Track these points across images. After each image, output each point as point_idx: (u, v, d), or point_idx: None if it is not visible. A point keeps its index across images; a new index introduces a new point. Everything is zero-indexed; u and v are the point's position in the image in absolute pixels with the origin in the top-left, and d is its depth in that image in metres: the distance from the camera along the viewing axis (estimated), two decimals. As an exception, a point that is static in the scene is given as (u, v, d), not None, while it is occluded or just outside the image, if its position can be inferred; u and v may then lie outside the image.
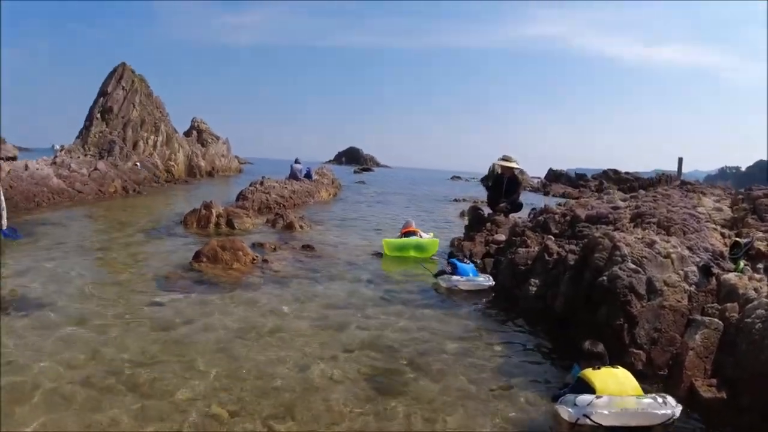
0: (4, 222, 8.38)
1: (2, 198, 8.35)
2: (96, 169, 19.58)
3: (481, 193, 22.38)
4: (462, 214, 17.91)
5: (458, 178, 71.15)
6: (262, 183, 18.21)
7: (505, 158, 11.39)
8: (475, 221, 11.36)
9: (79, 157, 23.02)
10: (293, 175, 22.20)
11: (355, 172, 68.28)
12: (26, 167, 16.59)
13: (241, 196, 16.11)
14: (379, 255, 9.79)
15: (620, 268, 4.96)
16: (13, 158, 28.54)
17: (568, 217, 8.10)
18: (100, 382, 3.95)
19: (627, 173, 48.32)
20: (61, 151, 25.26)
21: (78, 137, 29.14)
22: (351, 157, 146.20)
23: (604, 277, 5.02)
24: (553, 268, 6.29)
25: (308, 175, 23.03)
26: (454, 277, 7.29)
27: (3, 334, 4.75)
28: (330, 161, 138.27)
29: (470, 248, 9.46)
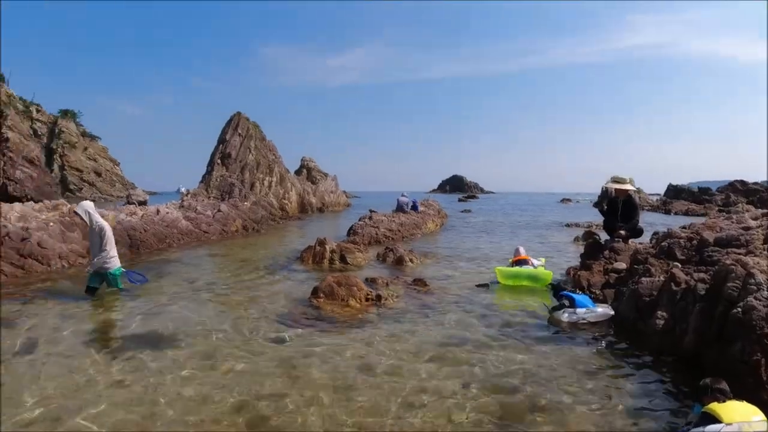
0: (116, 262, 8.70)
1: (112, 241, 8.72)
2: (219, 210, 21.10)
3: (595, 217, 21.48)
4: (575, 241, 17.26)
5: (568, 200, 68.61)
6: (370, 217, 18.69)
7: (617, 179, 10.86)
8: (592, 248, 10.90)
9: (203, 199, 24.90)
10: (400, 208, 22.58)
11: (459, 200, 68.11)
12: (158, 212, 18.25)
13: (351, 231, 16.64)
14: (489, 286, 9.72)
15: (755, 298, 4.57)
16: (144, 202, 31.58)
17: (694, 242, 7.57)
18: (227, 418, 4.21)
19: (756, 183, 44.22)
20: (186, 194, 27.47)
21: (201, 181, 31.62)
22: (455, 185, 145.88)
23: (738, 309, 4.64)
24: (681, 299, 5.88)
25: (414, 207, 23.33)
26: (579, 310, 7.03)
27: (134, 369, 5.23)
28: (434, 191, 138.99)
29: (588, 278, 9.08)
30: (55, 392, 4.67)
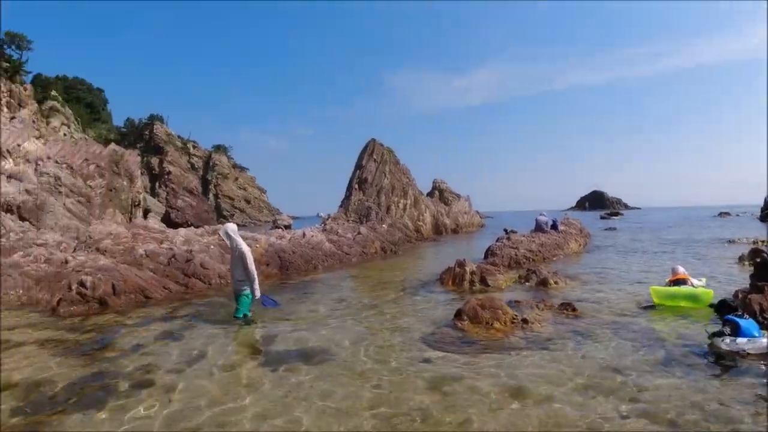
0: (257, 291, 8.68)
1: (252, 268, 8.72)
2: (359, 233, 21.85)
3: (760, 232, 19.20)
4: (740, 259, 15.52)
5: (727, 214, 62.19)
6: (509, 238, 18.26)
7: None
8: (764, 268, 9.69)
9: (344, 223, 25.94)
10: (539, 228, 21.82)
11: (601, 217, 64.36)
12: (303, 235, 19.30)
13: (489, 252, 16.34)
14: (644, 309, 9.02)
15: None
16: (289, 226, 33.68)
17: None
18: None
19: None
20: (327, 218, 28.79)
21: (341, 205, 33.00)
22: (595, 201, 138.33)
23: None
24: None
25: (554, 227, 22.40)
26: (739, 340, 6.27)
27: (286, 381, 5.46)
28: (572, 208, 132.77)
29: (760, 302, 8.08)
30: (220, 399, 5.04)
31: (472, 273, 12.06)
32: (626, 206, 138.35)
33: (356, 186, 34.04)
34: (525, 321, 7.89)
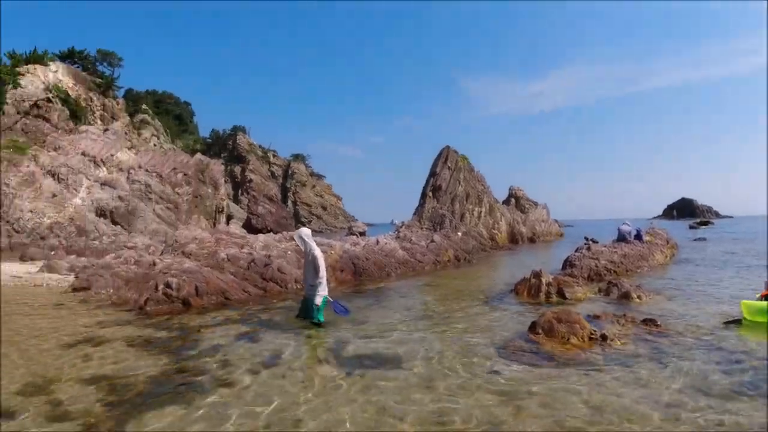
0: (324, 291, 8.73)
1: (323, 269, 8.80)
2: (432, 241, 21.78)
3: None
4: None
5: (837, 225, 57.24)
6: (588, 248, 17.62)
7: None
8: None
9: (417, 230, 25.95)
10: (622, 238, 20.91)
11: (690, 227, 60.81)
12: (377, 242, 19.46)
13: (568, 263, 15.83)
14: (730, 323, 8.47)
15: None
16: (363, 233, 34.09)
17: None
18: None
19: None
20: (401, 226, 28.89)
21: (414, 213, 33.04)
22: (683, 209, 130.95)
23: None
24: None
25: (638, 237, 21.37)
26: None
27: (358, 385, 5.49)
28: (658, 216, 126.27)
29: None
30: (292, 400, 5.15)
31: (549, 284, 11.71)
32: (717, 215, 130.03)
33: (430, 193, 33.98)
34: (604, 337, 7.56)
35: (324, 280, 8.71)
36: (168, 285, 10.59)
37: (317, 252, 8.77)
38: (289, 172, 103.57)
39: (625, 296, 11.14)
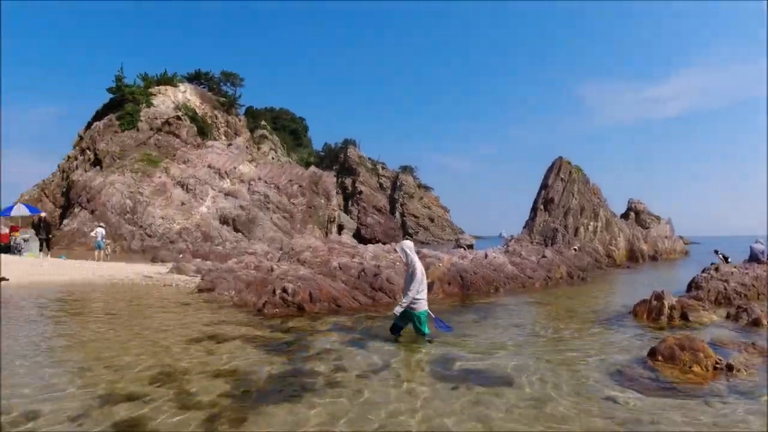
0: (423, 305, 8.52)
1: (423, 282, 8.58)
2: (543, 256, 21.16)
3: None
4: None
5: None
6: (717, 269, 16.28)
7: None
8: None
9: (527, 245, 25.33)
10: (754, 257, 19.10)
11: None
12: (486, 256, 19.23)
13: (693, 285, 14.73)
14: None
15: None
16: (471, 246, 33.81)
17: None
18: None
19: None
20: (510, 239, 28.32)
21: (524, 227, 32.26)
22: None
23: None
24: None
25: (775, 258, 19.41)
26: None
27: (467, 400, 5.46)
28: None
29: None
30: (398, 408, 5.25)
31: (671, 307, 10.96)
32: None
33: (541, 206, 33.03)
34: (729, 367, 6.96)
35: (421, 293, 8.51)
36: (285, 290, 11.18)
37: (418, 264, 8.69)
38: (398, 183, 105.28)
39: (755, 323, 10.17)
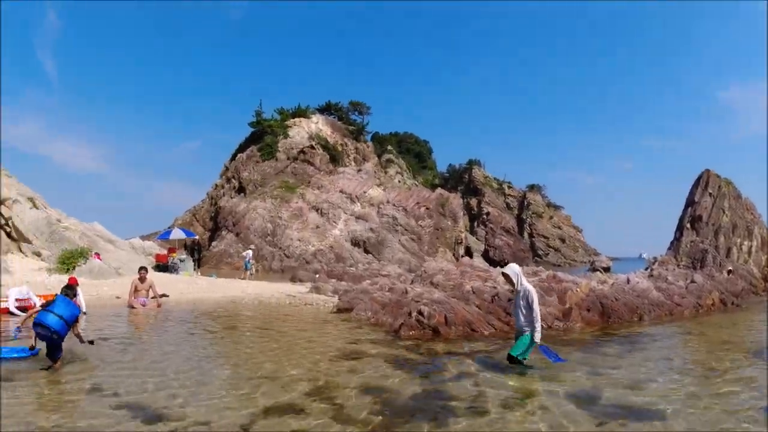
0: (538, 335, 8.15)
1: (538, 310, 8.26)
2: (692, 281, 19.57)
3: None
4: None
5: None
6: None
7: None
8: None
9: (673, 268, 23.56)
10: None
11: None
12: (627, 280, 18.18)
13: None
14: None
15: None
16: (607, 268, 32.09)
17: None
18: None
19: None
20: (654, 262, 26.48)
21: (669, 248, 30.04)
22: None
23: None
24: None
25: None
26: None
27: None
28: None
29: None
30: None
31: None
32: None
33: (688, 225, 30.56)
34: None
35: (539, 318, 8.22)
36: (420, 313, 11.43)
37: (531, 288, 8.43)
38: (525, 203, 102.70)
39: None
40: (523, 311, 8.29)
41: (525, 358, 8.28)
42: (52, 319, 7.42)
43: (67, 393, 6.59)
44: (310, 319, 13.68)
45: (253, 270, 31.02)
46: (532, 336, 8.14)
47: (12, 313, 12.94)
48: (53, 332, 7.44)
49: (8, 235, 22.38)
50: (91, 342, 8.30)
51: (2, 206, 22.48)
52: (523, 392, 7.00)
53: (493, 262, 53.02)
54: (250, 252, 30.48)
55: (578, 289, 14.47)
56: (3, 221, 22.32)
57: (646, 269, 23.56)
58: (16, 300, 13.30)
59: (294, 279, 29.15)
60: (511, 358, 8.21)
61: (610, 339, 11.89)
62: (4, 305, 13.19)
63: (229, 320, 13.42)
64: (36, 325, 7.54)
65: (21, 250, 22.22)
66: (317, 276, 28.48)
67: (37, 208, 24.64)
